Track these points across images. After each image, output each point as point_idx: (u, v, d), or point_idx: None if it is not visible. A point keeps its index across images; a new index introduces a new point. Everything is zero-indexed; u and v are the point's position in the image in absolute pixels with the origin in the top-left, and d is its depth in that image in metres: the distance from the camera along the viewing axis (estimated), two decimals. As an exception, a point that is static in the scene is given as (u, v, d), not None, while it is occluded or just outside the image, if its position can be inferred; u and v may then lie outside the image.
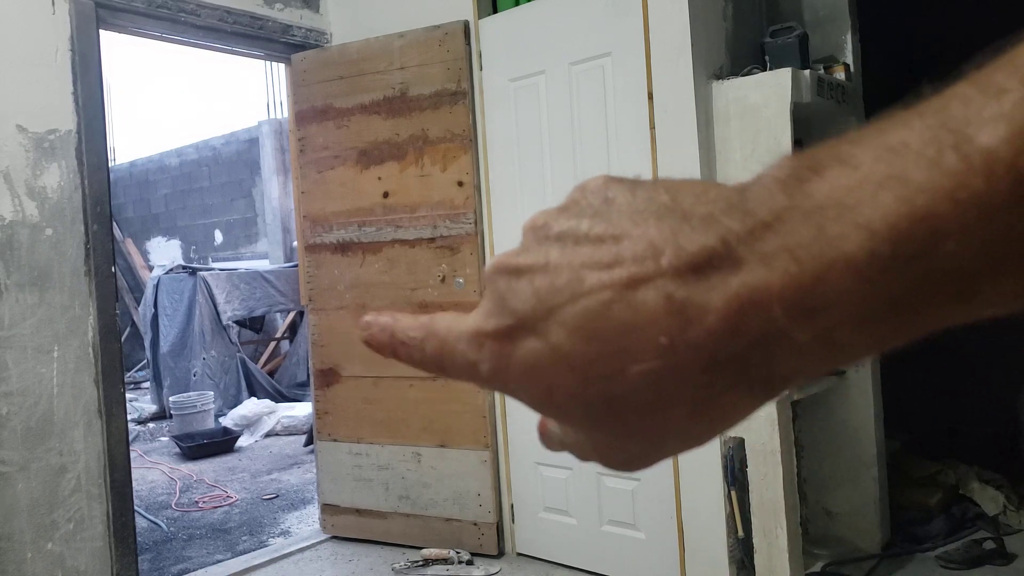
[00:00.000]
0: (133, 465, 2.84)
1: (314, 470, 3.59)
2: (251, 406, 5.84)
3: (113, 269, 2.69)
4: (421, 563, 2.90)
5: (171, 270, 6.74)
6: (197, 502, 4.14)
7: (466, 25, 2.94)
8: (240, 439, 5.44)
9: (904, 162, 0.20)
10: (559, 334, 0.23)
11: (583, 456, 0.27)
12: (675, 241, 0.22)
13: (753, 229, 0.21)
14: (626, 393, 0.23)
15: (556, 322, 0.23)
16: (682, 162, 2.43)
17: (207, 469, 4.82)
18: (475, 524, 2.98)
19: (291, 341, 7.16)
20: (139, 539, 3.02)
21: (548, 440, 0.30)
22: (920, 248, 0.20)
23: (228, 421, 5.73)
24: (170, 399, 5.81)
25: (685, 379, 0.22)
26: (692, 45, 2.38)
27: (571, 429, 0.26)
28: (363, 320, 0.29)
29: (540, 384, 0.24)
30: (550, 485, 2.85)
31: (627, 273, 0.22)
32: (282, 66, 3.49)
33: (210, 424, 5.64)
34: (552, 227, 0.24)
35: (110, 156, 6.82)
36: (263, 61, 4.42)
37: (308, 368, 3.66)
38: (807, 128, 2.70)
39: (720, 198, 0.23)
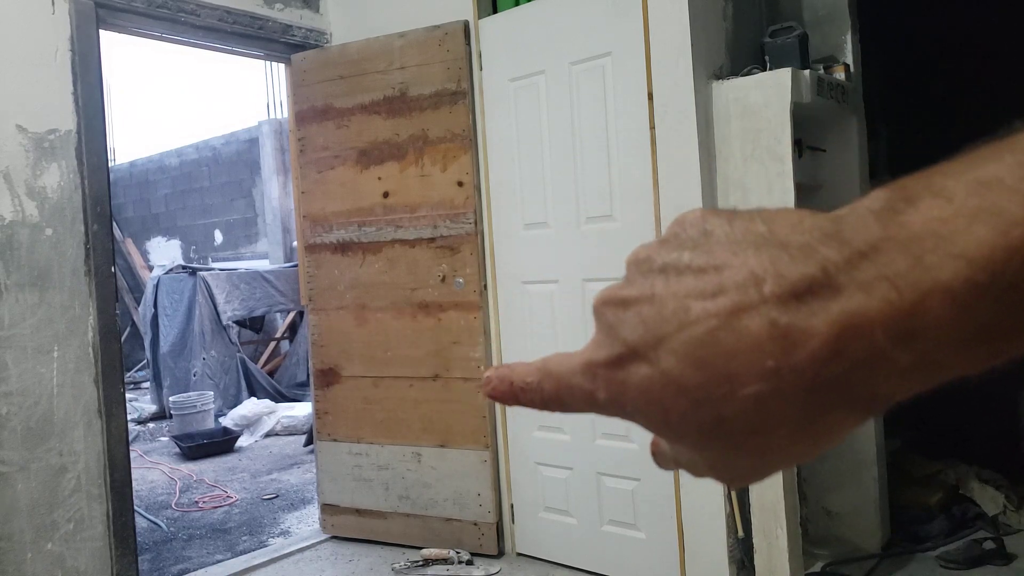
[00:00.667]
0: (133, 465, 2.84)
1: (314, 470, 3.59)
2: (251, 406, 5.84)
3: (113, 269, 2.69)
4: (421, 563, 2.90)
5: (171, 270, 6.74)
6: (197, 502, 4.14)
7: (466, 25, 2.94)
8: (240, 439, 5.44)
9: (998, 196, 0.21)
10: (669, 361, 0.24)
11: (696, 472, 0.29)
12: (775, 270, 0.23)
13: (851, 258, 0.23)
14: (735, 414, 0.24)
15: (666, 349, 0.24)
16: (682, 162, 2.43)
17: (207, 469, 4.82)
18: (475, 524, 2.98)
19: (291, 341, 7.16)
20: (139, 539, 3.02)
21: (661, 459, 0.31)
22: (1016, 277, 0.21)
23: (228, 421, 5.73)
24: (170, 399, 5.81)
25: (790, 400, 0.23)
26: (692, 45, 2.39)
27: (684, 448, 0.28)
28: (484, 376, 0.31)
29: (655, 407, 0.25)
30: (550, 485, 2.85)
31: (731, 302, 0.23)
32: (282, 66, 3.49)
33: (210, 424, 5.64)
34: (655, 260, 0.26)
35: (110, 156, 6.82)
36: (263, 61, 4.42)
37: (308, 368, 3.66)
38: (807, 128, 2.70)
39: (816, 228, 0.24)
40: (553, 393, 0.28)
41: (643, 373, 0.25)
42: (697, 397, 0.24)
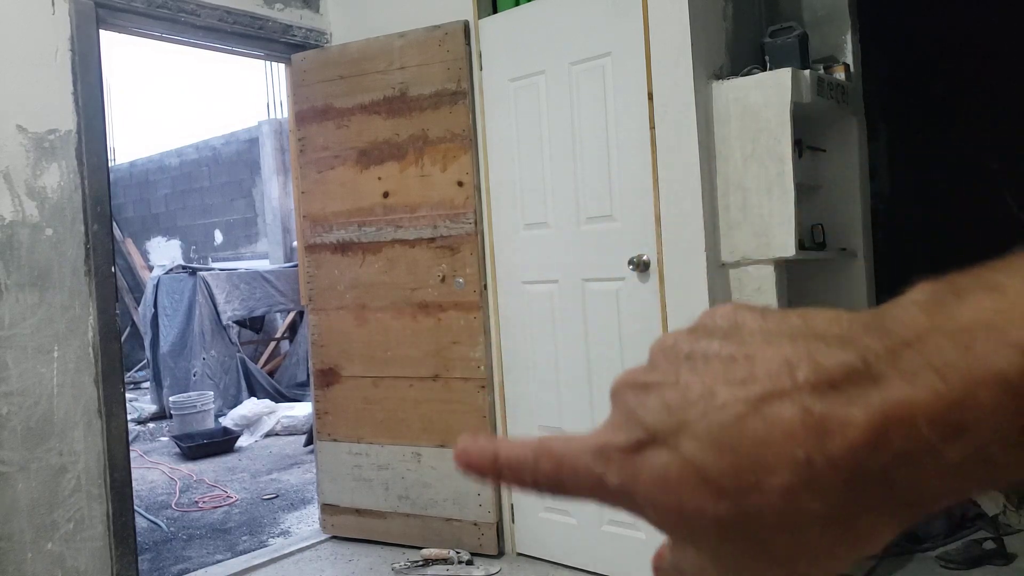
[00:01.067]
0: (133, 465, 2.84)
1: (314, 470, 3.59)
2: (251, 406, 5.84)
3: (113, 269, 2.69)
4: (421, 563, 2.90)
5: (171, 270, 6.75)
6: (197, 502, 4.14)
7: (466, 25, 2.94)
8: (240, 439, 5.44)
9: None
10: (691, 447, 0.23)
11: None
12: (811, 358, 0.22)
13: (893, 348, 0.21)
14: (761, 508, 0.22)
15: (689, 435, 0.23)
16: (682, 162, 2.43)
17: (207, 469, 4.82)
18: (475, 524, 2.98)
19: (291, 341, 7.16)
20: (139, 539, 3.02)
21: (664, 574, 0.28)
22: None
23: (228, 421, 5.73)
24: (170, 399, 5.81)
25: (824, 495, 0.21)
26: (692, 45, 2.39)
27: (693, 555, 0.25)
28: (458, 448, 0.28)
29: (671, 498, 0.23)
30: (550, 485, 2.85)
31: (762, 388, 0.22)
32: (282, 66, 3.49)
33: (210, 424, 5.64)
34: (682, 347, 0.25)
35: (110, 156, 6.82)
36: (263, 61, 4.42)
37: (308, 368, 3.66)
38: (807, 128, 2.70)
39: (855, 321, 0.23)
40: (551, 474, 0.26)
41: (662, 460, 0.23)
42: (719, 487, 0.22)
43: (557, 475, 0.26)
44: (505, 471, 0.27)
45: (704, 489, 0.22)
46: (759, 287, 2.41)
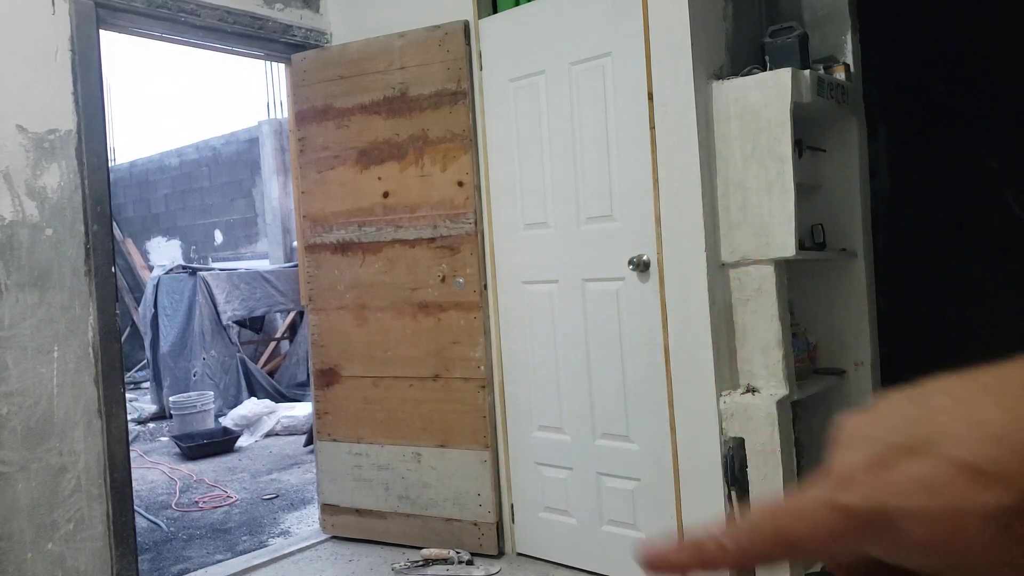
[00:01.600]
0: (133, 465, 2.84)
1: (314, 470, 3.59)
2: (251, 406, 5.84)
3: (113, 269, 2.69)
4: (421, 563, 2.90)
5: (171, 270, 6.74)
6: (197, 502, 4.14)
7: (466, 25, 2.94)
8: (240, 439, 5.44)
9: None
10: (955, 447, 0.22)
11: None
12: None
13: None
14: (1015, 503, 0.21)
15: (950, 438, 0.22)
16: (682, 162, 2.43)
17: (207, 469, 4.82)
18: (475, 524, 2.98)
19: (291, 341, 7.16)
20: (139, 539, 3.02)
21: None
22: None
23: (228, 421, 5.73)
24: (170, 399, 5.81)
25: None
26: (692, 45, 2.38)
27: None
28: (648, 553, 0.26)
29: (939, 500, 0.22)
30: (550, 485, 2.85)
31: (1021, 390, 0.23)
32: (282, 66, 3.49)
33: (210, 424, 5.64)
34: (904, 397, 0.25)
35: (110, 156, 6.82)
36: (263, 61, 4.42)
37: (308, 368, 3.66)
38: (807, 128, 2.70)
39: None
40: (776, 530, 0.24)
41: (923, 465, 0.22)
42: (993, 476, 0.21)
43: (783, 530, 0.24)
44: (717, 553, 0.25)
45: (978, 481, 0.22)
46: (759, 287, 2.41)
